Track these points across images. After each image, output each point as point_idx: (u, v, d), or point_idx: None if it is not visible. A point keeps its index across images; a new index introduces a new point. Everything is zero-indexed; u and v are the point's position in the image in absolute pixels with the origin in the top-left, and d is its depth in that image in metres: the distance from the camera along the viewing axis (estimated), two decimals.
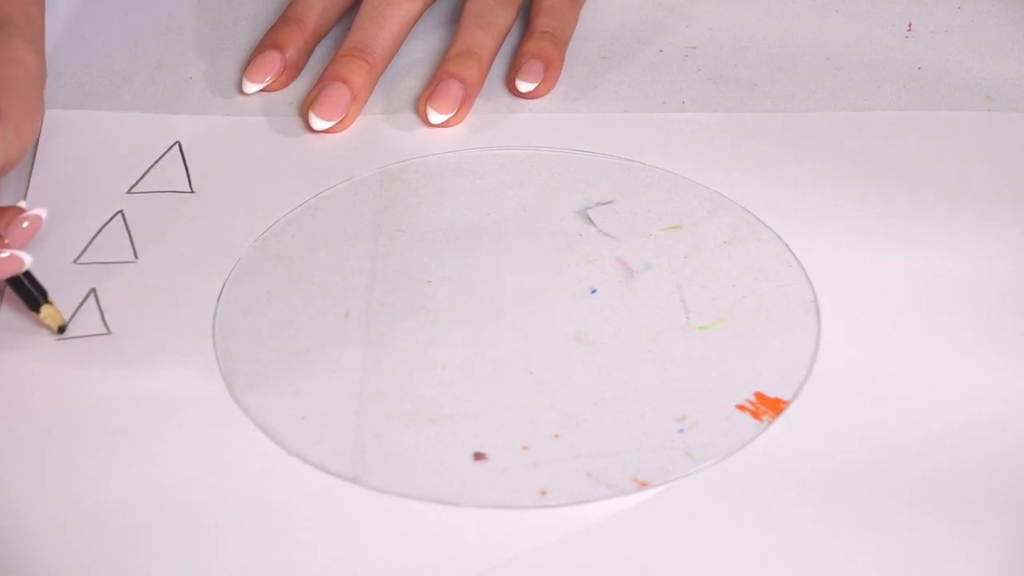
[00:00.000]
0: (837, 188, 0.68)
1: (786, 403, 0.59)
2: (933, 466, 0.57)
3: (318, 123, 0.71)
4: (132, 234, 0.66)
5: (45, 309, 0.61)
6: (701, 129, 0.72)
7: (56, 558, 0.54)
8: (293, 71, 0.74)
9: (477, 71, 0.72)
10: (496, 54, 0.74)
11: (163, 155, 0.70)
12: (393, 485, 0.57)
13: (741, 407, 0.59)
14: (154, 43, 0.77)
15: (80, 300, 0.63)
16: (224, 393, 0.60)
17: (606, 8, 0.79)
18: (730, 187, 0.68)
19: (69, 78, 0.74)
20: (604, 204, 0.68)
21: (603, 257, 0.65)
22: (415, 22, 0.74)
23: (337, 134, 0.71)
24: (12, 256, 0.60)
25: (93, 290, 0.64)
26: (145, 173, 0.69)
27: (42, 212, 0.62)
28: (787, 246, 0.66)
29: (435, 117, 0.71)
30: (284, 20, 0.75)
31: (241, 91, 0.73)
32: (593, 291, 0.64)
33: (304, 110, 0.72)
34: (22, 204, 0.62)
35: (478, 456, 0.58)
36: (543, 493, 0.56)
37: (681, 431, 0.58)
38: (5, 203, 0.64)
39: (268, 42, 0.74)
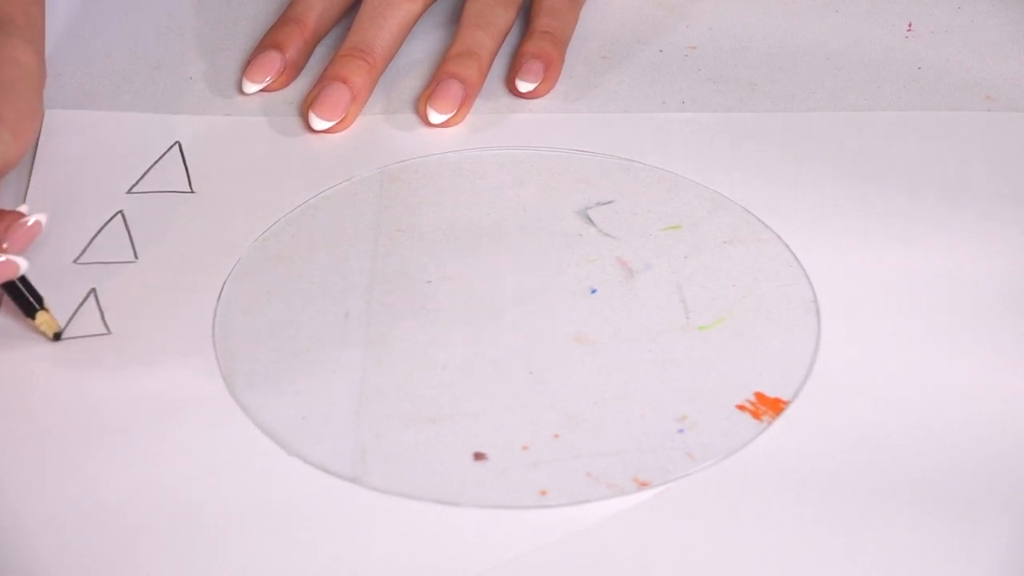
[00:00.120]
0: (837, 188, 0.68)
1: (786, 403, 0.59)
2: (933, 466, 0.57)
3: (318, 123, 0.71)
4: (132, 234, 0.66)
5: (40, 316, 0.61)
6: (701, 129, 0.72)
7: (56, 558, 0.54)
8: (293, 71, 0.74)
9: (477, 71, 0.72)
10: (496, 54, 0.74)
11: (163, 155, 0.70)
12: (393, 485, 0.57)
13: (741, 407, 0.59)
14: (154, 43, 0.77)
15: (80, 300, 0.63)
16: (224, 393, 0.60)
17: (606, 8, 0.79)
18: (730, 187, 0.68)
19: (69, 78, 0.74)
20: (604, 204, 0.68)
21: (603, 257, 0.65)
22: (415, 22, 0.74)
23: (337, 134, 0.71)
24: (8, 261, 0.60)
25: (93, 290, 0.64)
26: (145, 173, 0.69)
27: (42, 217, 0.62)
28: (787, 246, 0.66)
29: (435, 117, 0.71)
30: (284, 20, 0.75)
31: (241, 91, 0.73)
32: (593, 291, 0.64)
33: (304, 110, 0.72)
34: (23, 208, 0.62)
35: (478, 456, 0.58)
36: (543, 493, 0.56)
37: (681, 431, 0.58)
38: (5, 205, 0.64)
39: (268, 42, 0.74)
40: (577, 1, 0.77)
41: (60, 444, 0.58)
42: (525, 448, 0.58)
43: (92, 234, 0.66)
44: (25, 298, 0.61)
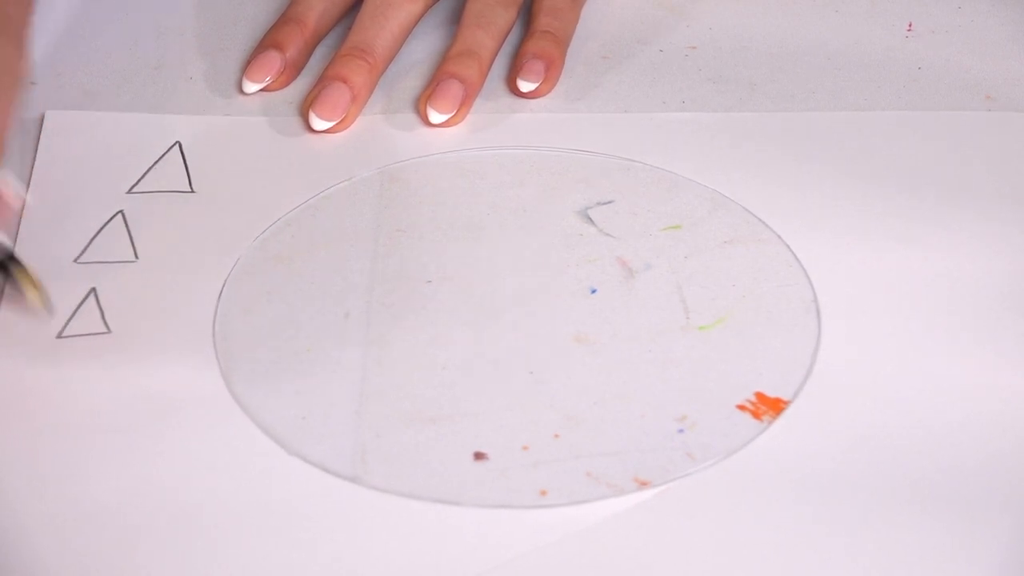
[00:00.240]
0: (837, 188, 0.68)
1: (786, 403, 0.59)
2: (933, 466, 0.57)
3: (318, 123, 0.71)
4: (132, 234, 0.66)
5: (20, 273, 0.60)
6: (701, 129, 0.72)
7: (56, 558, 0.54)
8: (293, 71, 0.74)
9: (477, 71, 0.72)
10: (496, 54, 0.74)
11: (163, 155, 0.70)
12: (393, 485, 0.57)
13: (741, 407, 0.59)
14: (154, 43, 0.77)
15: (80, 299, 0.63)
16: (224, 393, 0.60)
17: (606, 8, 0.79)
18: (730, 187, 0.68)
19: (69, 78, 0.74)
20: (604, 204, 0.68)
21: (603, 257, 0.65)
22: (416, 23, 0.74)
23: (337, 134, 0.71)
24: None
25: (93, 289, 0.64)
26: (145, 173, 0.69)
27: (21, 189, 0.60)
28: (787, 246, 0.66)
29: (435, 117, 0.71)
30: (284, 20, 0.74)
31: (241, 91, 0.73)
32: (593, 291, 0.64)
33: (304, 110, 0.72)
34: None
35: (478, 456, 0.58)
36: (543, 493, 0.56)
37: (681, 431, 0.58)
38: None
39: (268, 42, 0.74)
40: (578, 1, 0.77)
41: (60, 443, 0.58)
42: (525, 448, 0.58)
43: (92, 234, 0.66)
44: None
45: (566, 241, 0.66)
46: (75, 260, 0.65)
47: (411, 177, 0.69)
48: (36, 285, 0.61)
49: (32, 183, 0.68)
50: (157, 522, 0.55)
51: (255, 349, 0.62)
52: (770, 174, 0.69)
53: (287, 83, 0.74)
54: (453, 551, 0.55)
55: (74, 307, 0.63)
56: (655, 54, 0.76)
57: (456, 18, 0.76)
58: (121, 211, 0.67)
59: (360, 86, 0.71)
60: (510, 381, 0.60)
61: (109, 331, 0.62)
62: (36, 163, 0.69)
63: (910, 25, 0.78)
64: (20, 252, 0.64)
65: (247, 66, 0.74)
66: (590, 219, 0.67)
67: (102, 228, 0.66)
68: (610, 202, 0.68)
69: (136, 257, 0.65)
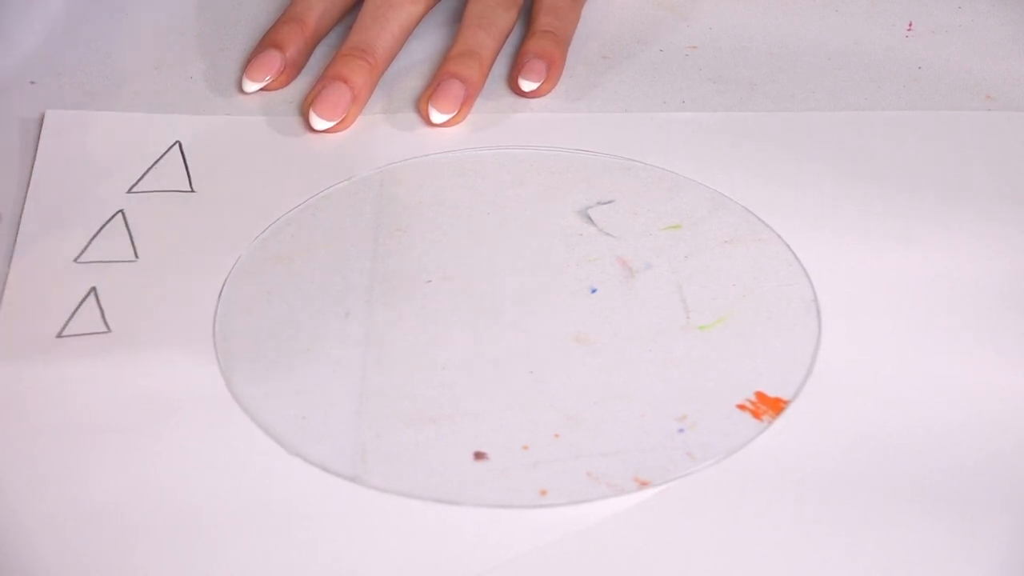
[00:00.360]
0: (837, 188, 0.68)
1: (786, 403, 0.59)
2: (933, 466, 0.57)
3: (318, 123, 0.71)
4: (132, 233, 0.66)
5: None
6: (701, 129, 0.72)
7: (56, 558, 0.54)
8: (293, 70, 0.74)
9: (478, 71, 0.72)
10: (497, 55, 0.74)
11: (163, 155, 0.70)
12: (393, 485, 0.57)
13: (741, 407, 0.59)
14: (154, 43, 0.77)
15: (80, 299, 0.63)
16: (224, 392, 0.60)
17: (606, 8, 0.79)
18: (730, 187, 0.68)
19: (69, 78, 0.74)
20: (604, 204, 0.68)
21: (603, 257, 0.65)
22: (417, 24, 0.74)
23: (337, 134, 0.71)
24: None
25: (93, 289, 0.64)
26: (145, 173, 0.69)
27: None
28: (787, 246, 0.66)
29: (437, 116, 0.71)
30: (285, 19, 0.74)
31: (241, 90, 0.73)
32: (593, 291, 0.64)
33: (304, 109, 0.72)
34: None
35: (478, 456, 0.58)
36: (543, 493, 0.56)
37: (681, 431, 0.58)
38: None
39: (268, 41, 0.74)
40: (578, 0, 0.77)
41: (60, 443, 0.58)
42: (525, 448, 0.58)
43: (92, 234, 0.66)
44: None
45: (566, 241, 0.66)
46: (75, 260, 0.65)
47: (411, 177, 0.69)
48: None
49: (32, 183, 0.68)
50: (157, 522, 0.55)
51: (255, 349, 0.62)
52: (770, 174, 0.69)
53: (287, 82, 0.74)
54: (453, 551, 0.55)
55: (74, 307, 0.63)
56: (655, 54, 0.76)
57: (457, 19, 0.76)
58: (121, 211, 0.67)
59: (360, 86, 0.71)
60: (510, 381, 0.60)
61: (109, 331, 0.62)
62: (36, 163, 0.69)
63: (910, 25, 0.78)
64: (20, 252, 0.64)
65: (247, 65, 0.74)
66: (590, 219, 0.67)
67: (102, 228, 0.66)
68: (610, 202, 0.68)
69: (136, 257, 0.65)
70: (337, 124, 0.71)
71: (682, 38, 0.78)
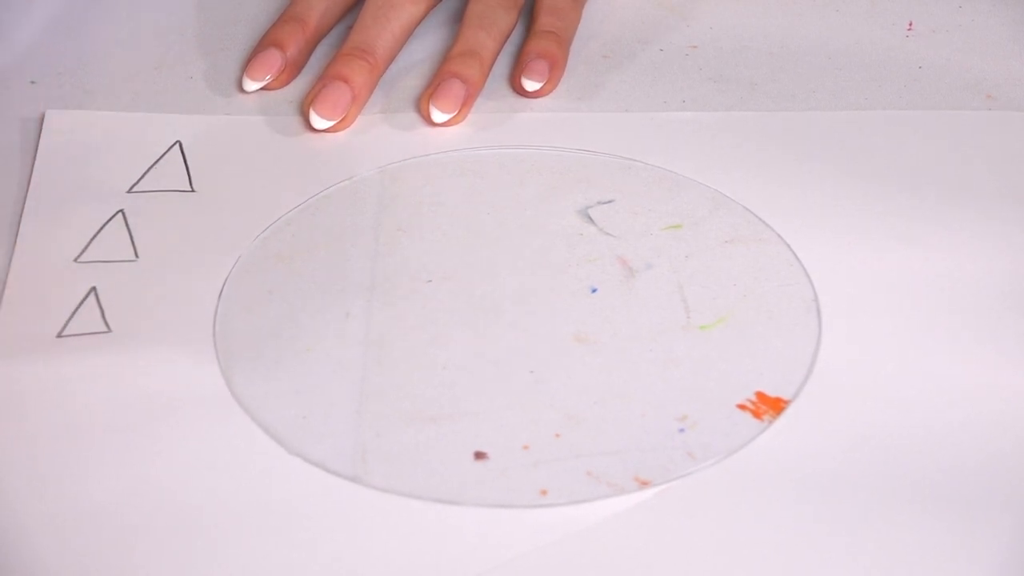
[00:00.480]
0: (838, 187, 0.68)
1: (787, 402, 0.59)
2: (933, 466, 0.57)
3: (319, 122, 0.71)
4: (132, 233, 0.66)
5: None
6: (702, 128, 0.72)
7: (56, 558, 0.54)
8: (293, 70, 0.74)
9: (479, 71, 0.72)
10: (498, 55, 0.74)
11: (163, 154, 0.70)
12: (393, 484, 0.57)
13: (742, 406, 0.59)
14: (154, 43, 0.77)
15: (80, 298, 0.63)
16: (224, 392, 0.60)
17: (607, 8, 0.79)
18: (731, 186, 0.68)
19: (69, 78, 0.74)
20: (605, 203, 0.68)
21: (604, 256, 0.65)
22: (418, 24, 0.74)
23: (337, 133, 0.71)
24: None
25: (93, 288, 0.64)
26: (146, 172, 0.69)
27: None
28: (788, 245, 0.66)
29: (437, 116, 0.71)
30: (285, 19, 0.74)
31: (241, 89, 0.73)
32: (594, 290, 0.64)
33: (305, 109, 0.72)
34: None
35: (478, 455, 0.58)
36: (543, 493, 0.56)
37: (682, 430, 0.58)
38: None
39: (269, 40, 0.74)
40: (579, 0, 0.77)
41: (60, 442, 0.58)
42: (525, 447, 0.58)
43: (92, 233, 0.66)
44: None
45: (567, 240, 0.66)
46: (75, 259, 0.65)
47: (411, 177, 0.69)
48: None
49: (32, 183, 0.68)
50: (157, 522, 0.55)
51: (255, 348, 0.62)
52: (771, 173, 0.69)
53: (287, 82, 0.74)
54: (453, 551, 0.55)
55: (74, 306, 0.63)
56: (656, 54, 0.76)
57: (457, 19, 0.76)
58: (121, 210, 0.67)
59: (361, 86, 0.71)
60: (510, 380, 0.60)
61: (109, 330, 0.62)
62: (36, 163, 0.69)
63: (910, 24, 0.78)
64: (20, 252, 0.64)
65: (247, 64, 0.74)
66: (591, 218, 0.67)
67: (102, 227, 0.66)
68: (611, 201, 0.68)
69: (136, 256, 0.65)
70: (337, 124, 0.71)
71: (683, 38, 0.78)
